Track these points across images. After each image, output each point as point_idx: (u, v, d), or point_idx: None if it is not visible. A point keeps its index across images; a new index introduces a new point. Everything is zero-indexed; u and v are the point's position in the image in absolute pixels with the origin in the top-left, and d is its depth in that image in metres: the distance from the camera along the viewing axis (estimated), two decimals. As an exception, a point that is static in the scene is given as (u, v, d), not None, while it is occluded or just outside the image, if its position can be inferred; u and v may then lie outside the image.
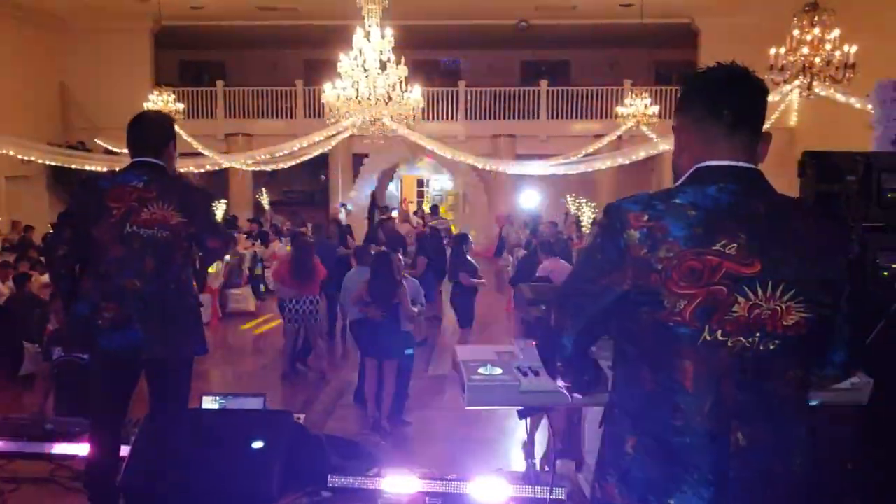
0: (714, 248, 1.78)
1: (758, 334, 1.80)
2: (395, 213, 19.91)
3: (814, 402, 2.10)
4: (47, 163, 16.89)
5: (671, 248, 1.78)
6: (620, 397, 1.96)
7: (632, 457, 1.86)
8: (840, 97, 12.39)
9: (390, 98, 11.75)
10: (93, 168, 16.00)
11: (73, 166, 16.28)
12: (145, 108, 4.20)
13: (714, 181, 1.86)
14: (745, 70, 1.94)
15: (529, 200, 22.85)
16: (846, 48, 10.66)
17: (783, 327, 1.80)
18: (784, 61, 11.01)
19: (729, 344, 1.79)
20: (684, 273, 1.78)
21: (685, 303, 1.78)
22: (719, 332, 1.79)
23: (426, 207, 23.06)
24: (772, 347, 1.81)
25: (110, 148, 18.12)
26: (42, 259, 10.12)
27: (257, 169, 19.83)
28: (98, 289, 3.61)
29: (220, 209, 20.16)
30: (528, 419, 3.01)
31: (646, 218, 1.82)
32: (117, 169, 3.96)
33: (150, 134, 3.75)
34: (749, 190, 1.87)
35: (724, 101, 1.91)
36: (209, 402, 4.79)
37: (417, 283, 7.93)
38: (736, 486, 1.79)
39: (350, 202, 21.30)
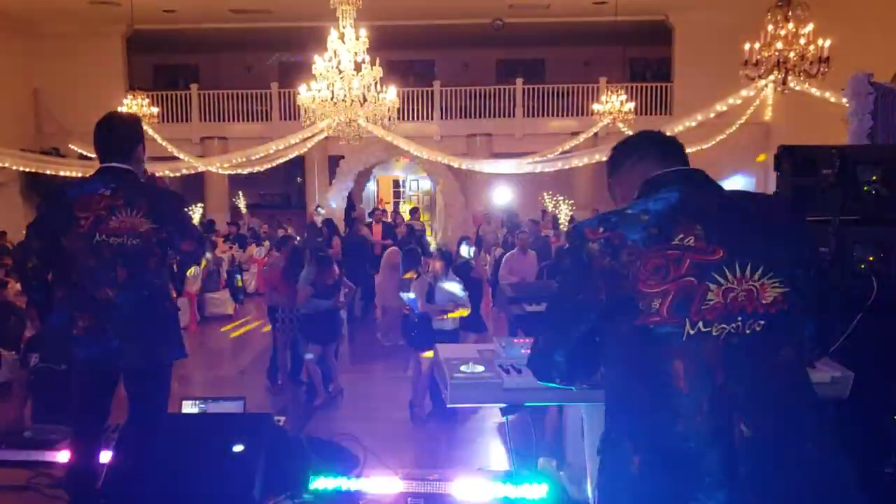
0: (673, 242, 1.83)
1: (739, 318, 1.81)
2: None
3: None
4: (21, 169, 16.70)
5: (632, 251, 1.84)
6: (617, 421, 1.95)
7: (639, 476, 1.84)
8: (815, 91, 12.48)
9: (365, 99, 11.71)
10: (67, 174, 15.83)
11: (48, 172, 16.10)
12: (106, 117, 4.06)
13: (660, 187, 1.95)
14: (659, 131, 2.20)
15: (506, 199, 22.85)
16: (820, 42, 10.73)
17: (763, 306, 1.82)
18: (758, 56, 11.08)
19: (714, 333, 1.80)
20: (650, 272, 1.81)
21: (659, 301, 1.80)
22: (701, 324, 1.80)
23: (404, 209, 23.04)
24: (758, 329, 1.82)
25: (84, 153, 17.93)
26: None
27: (233, 172, 19.71)
28: (71, 299, 3.58)
29: (196, 213, 20.04)
30: (510, 417, 3.01)
31: (601, 230, 1.89)
32: (85, 175, 3.90)
33: (119, 137, 3.69)
34: (697, 187, 1.95)
35: (648, 144, 2.12)
36: (189, 406, 4.75)
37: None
38: (749, 480, 1.76)
39: (324, 205, 21.22)
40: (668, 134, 2.19)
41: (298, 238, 14.81)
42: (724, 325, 1.80)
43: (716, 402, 1.78)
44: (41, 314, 3.77)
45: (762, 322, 1.82)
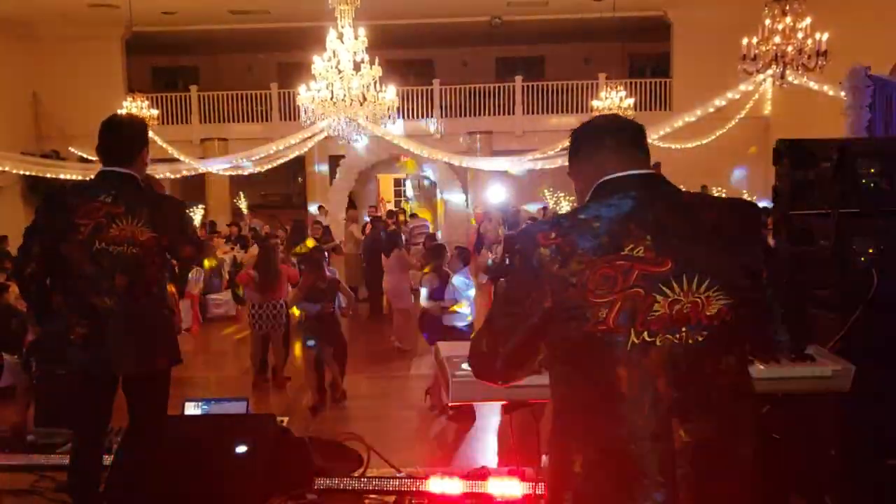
0: (622, 252, 1.83)
1: (683, 329, 1.83)
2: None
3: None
4: (21, 172, 16.70)
5: (581, 259, 1.84)
6: (562, 420, 1.98)
7: (582, 475, 1.87)
8: (813, 85, 12.47)
9: (365, 98, 11.71)
10: (67, 177, 15.84)
11: (48, 175, 16.11)
12: (111, 119, 3.98)
13: (615, 192, 1.94)
14: (616, 115, 2.19)
15: (507, 197, 22.85)
16: (818, 36, 10.72)
17: (707, 317, 1.84)
18: (756, 51, 11.07)
19: (657, 343, 1.82)
20: (599, 281, 1.82)
21: (606, 311, 1.81)
22: (645, 333, 1.82)
23: (407, 209, 23.04)
24: (700, 339, 1.84)
25: (84, 156, 17.94)
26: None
27: (234, 173, 19.72)
28: (69, 306, 3.56)
29: (197, 215, 20.04)
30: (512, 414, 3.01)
31: (553, 235, 1.88)
32: (84, 178, 3.86)
33: (124, 141, 3.67)
34: (650, 193, 1.94)
35: (603, 133, 2.07)
36: (192, 408, 4.76)
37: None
38: (686, 483, 1.80)
39: (326, 205, 21.23)
40: (624, 118, 2.15)
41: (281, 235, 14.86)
42: (668, 336, 1.82)
43: (656, 408, 1.81)
44: (38, 319, 3.74)
45: (705, 333, 1.84)
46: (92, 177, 3.72)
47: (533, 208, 20.55)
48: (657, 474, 1.79)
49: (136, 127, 3.81)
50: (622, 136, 2.05)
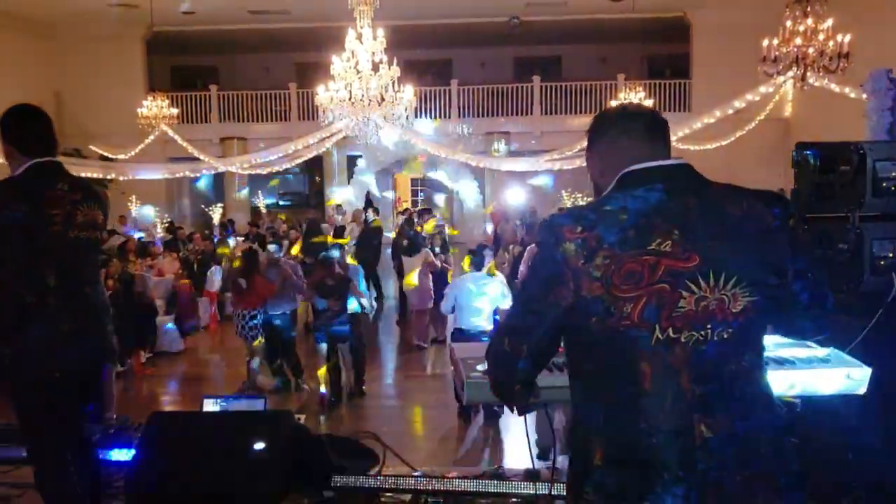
0: (649, 247, 1.80)
1: (709, 326, 1.81)
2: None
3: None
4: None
5: (607, 254, 1.81)
6: (582, 413, 1.97)
7: (602, 468, 1.87)
8: (834, 87, 12.38)
9: (383, 99, 11.74)
10: (88, 175, 15.93)
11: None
12: (32, 107, 3.62)
13: (641, 183, 1.89)
14: (640, 104, 2.18)
15: (524, 197, 22.84)
16: (840, 38, 10.63)
17: (733, 315, 1.82)
18: (777, 52, 10.99)
19: (682, 339, 1.81)
20: (624, 276, 1.79)
21: (631, 306, 1.79)
22: (670, 330, 1.80)
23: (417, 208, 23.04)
24: (725, 336, 1.83)
25: (105, 154, 18.09)
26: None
27: (253, 172, 19.82)
28: (47, 305, 3.34)
29: (216, 212, 20.16)
30: (527, 416, 3.02)
31: (579, 229, 1.84)
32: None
33: (51, 128, 3.55)
34: (678, 185, 1.90)
35: (631, 121, 2.02)
36: (210, 405, 4.78)
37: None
38: (707, 477, 1.80)
39: (344, 205, 21.29)
40: (648, 108, 2.11)
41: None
42: (692, 333, 1.81)
43: (678, 403, 1.80)
44: (15, 332, 3.31)
45: (730, 330, 1.83)
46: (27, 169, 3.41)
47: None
48: (677, 469, 1.79)
49: (47, 114, 3.64)
50: (648, 123, 2.01)
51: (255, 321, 8.68)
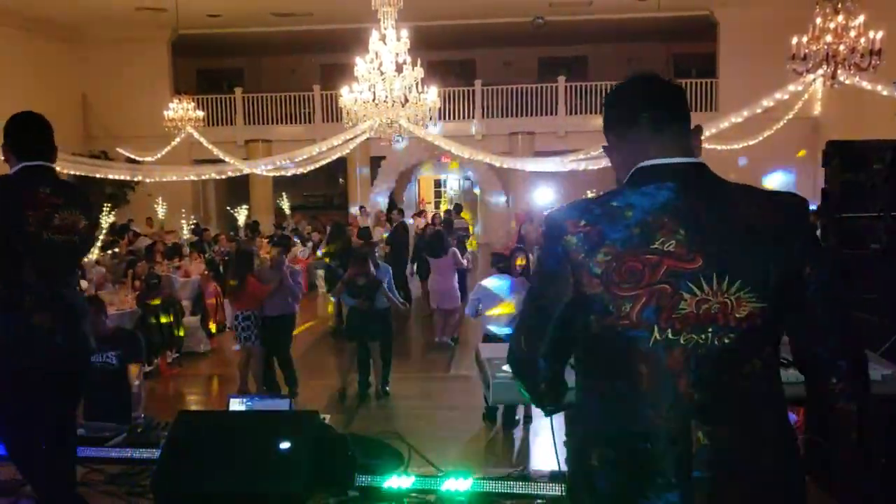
0: (652, 246, 1.76)
1: (710, 329, 1.76)
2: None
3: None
4: (71, 172, 17.05)
5: (609, 251, 1.77)
6: (581, 411, 1.94)
7: (598, 469, 1.83)
8: (866, 85, 12.18)
9: (407, 100, 11.74)
10: (115, 177, 16.11)
11: (97, 175, 16.44)
12: (34, 115, 3.77)
13: (651, 180, 1.84)
14: (653, 74, 1.98)
15: (549, 198, 22.78)
16: (871, 34, 10.43)
17: (736, 320, 1.76)
18: (806, 50, 10.84)
19: (681, 342, 1.76)
20: (625, 275, 1.76)
21: (630, 305, 1.76)
22: (669, 331, 1.76)
23: (443, 208, 23.06)
24: (727, 341, 1.76)
25: (132, 156, 18.25)
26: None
27: (277, 174, 19.92)
28: (24, 303, 3.44)
29: (241, 214, 20.29)
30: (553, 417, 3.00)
31: (583, 223, 1.81)
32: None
33: (48, 136, 3.61)
34: (689, 184, 1.84)
35: (638, 107, 1.94)
36: (236, 404, 4.81)
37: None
38: (701, 486, 1.75)
39: (369, 206, 21.34)
40: (661, 81, 1.97)
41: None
42: (693, 336, 1.76)
43: (676, 408, 1.76)
44: None
45: (733, 335, 1.76)
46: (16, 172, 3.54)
47: None
48: (672, 475, 1.75)
49: (48, 123, 3.70)
50: (660, 109, 1.92)
51: (248, 322, 8.54)
